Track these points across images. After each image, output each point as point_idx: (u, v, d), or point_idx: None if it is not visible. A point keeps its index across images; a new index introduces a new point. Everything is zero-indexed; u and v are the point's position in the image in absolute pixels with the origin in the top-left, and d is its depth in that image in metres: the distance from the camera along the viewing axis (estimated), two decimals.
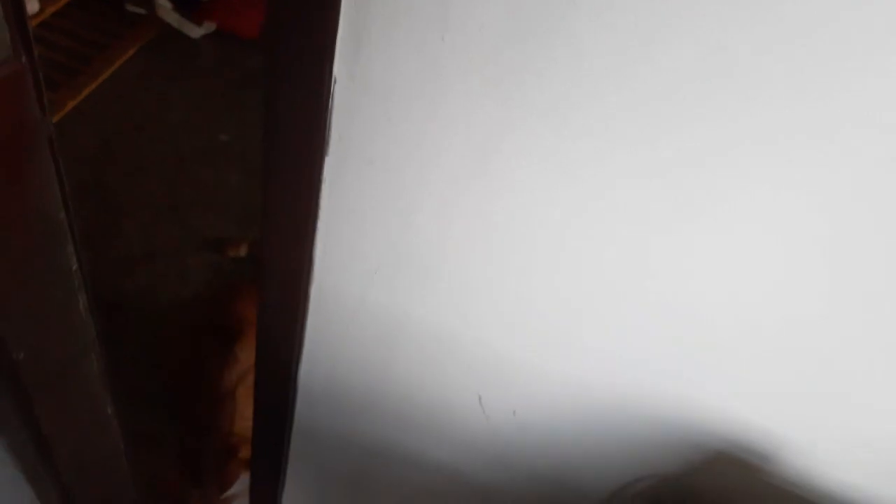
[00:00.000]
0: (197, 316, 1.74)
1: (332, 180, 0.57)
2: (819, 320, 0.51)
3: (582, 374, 0.63)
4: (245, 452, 1.64)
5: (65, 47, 2.22)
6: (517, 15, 0.42)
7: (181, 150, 2.17)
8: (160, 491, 1.62)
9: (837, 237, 0.46)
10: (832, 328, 0.51)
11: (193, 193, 2.08)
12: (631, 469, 0.69)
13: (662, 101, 0.43)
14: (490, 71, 0.45)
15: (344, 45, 0.48)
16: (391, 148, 0.53)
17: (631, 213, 0.50)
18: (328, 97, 0.51)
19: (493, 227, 0.56)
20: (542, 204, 0.52)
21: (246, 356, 1.59)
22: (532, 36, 0.43)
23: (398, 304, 0.65)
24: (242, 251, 1.96)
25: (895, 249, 0.45)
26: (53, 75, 2.14)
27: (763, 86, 0.40)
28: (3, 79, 0.33)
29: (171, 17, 2.40)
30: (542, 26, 0.42)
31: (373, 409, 0.77)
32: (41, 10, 2.00)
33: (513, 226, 0.55)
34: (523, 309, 0.60)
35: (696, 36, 0.39)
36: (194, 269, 1.93)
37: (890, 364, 0.51)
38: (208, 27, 2.42)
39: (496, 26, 0.43)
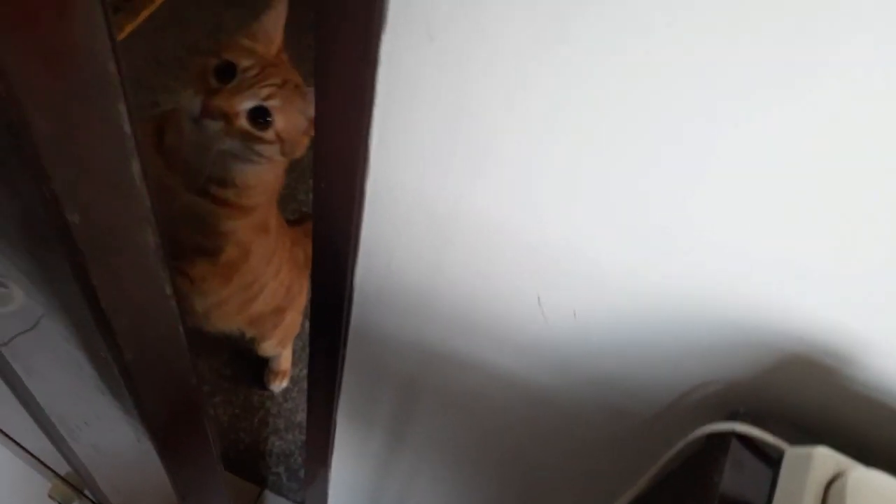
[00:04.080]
0: None
1: (390, 61, 0.54)
2: None
3: (647, 272, 0.60)
4: None
5: None
6: None
7: None
8: None
9: None
10: None
11: None
12: (698, 374, 0.66)
13: None
14: None
15: None
16: (453, 22, 0.50)
17: (720, 90, 0.45)
18: None
19: (559, 111, 0.52)
20: (609, 83, 0.48)
21: None
22: None
23: (455, 196, 0.62)
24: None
25: None
26: None
27: None
28: None
29: None
30: None
31: (428, 310, 0.76)
32: None
33: (580, 109, 0.51)
34: (587, 202, 0.57)
35: None
36: None
37: None
38: None
39: None
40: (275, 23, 1.10)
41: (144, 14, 2.20)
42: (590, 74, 0.49)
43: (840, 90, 0.43)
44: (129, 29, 2.11)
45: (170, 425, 0.65)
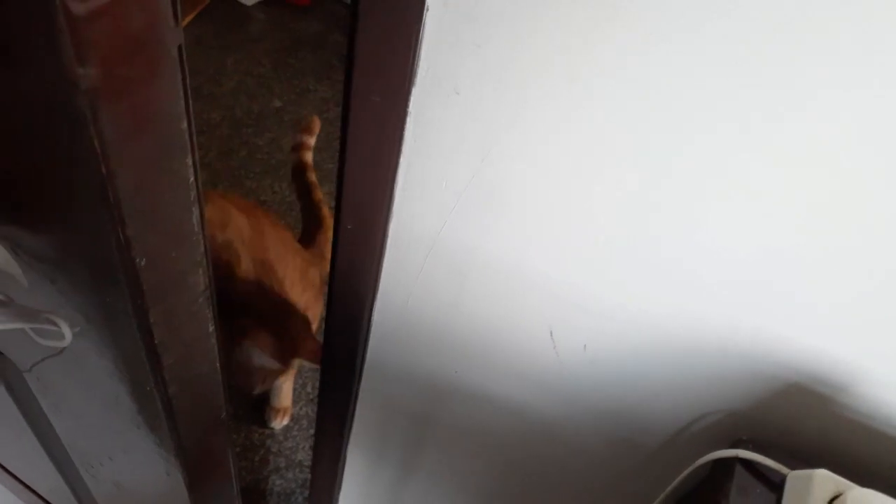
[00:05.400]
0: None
1: (417, 113, 0.59)
2: None
3: (653, 308, 0.64)
4: None
5: None
6: None
7: (236, 115, 2.23)
8: None
9: None
10: None
11: (248, 158, 2.14)
12: (700, 405, 0.70)
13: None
14: None
15: None
16: (479, 78, 0.54)
17: (717, 133, 0.50)
18: (419, 27, 0.52)
19: (572, 159, 0.57)
20: (628, 133, 0.53)
21: None
22: None
23: (474, 239, 0.66)
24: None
25: None
26: None
27: None
28: None
29: None
30: None
31: (442, 345, 0.80)
32: None
33: (592, 156, 0.56)
34: (599, 242, 0.61)
35: None
36: None
37: None
38: None
39: None
40: None
41: None
42: (605, 127, 0.53)
43: (836, 138, 0.48)
44: None
45: (200, 458, 0.68)
